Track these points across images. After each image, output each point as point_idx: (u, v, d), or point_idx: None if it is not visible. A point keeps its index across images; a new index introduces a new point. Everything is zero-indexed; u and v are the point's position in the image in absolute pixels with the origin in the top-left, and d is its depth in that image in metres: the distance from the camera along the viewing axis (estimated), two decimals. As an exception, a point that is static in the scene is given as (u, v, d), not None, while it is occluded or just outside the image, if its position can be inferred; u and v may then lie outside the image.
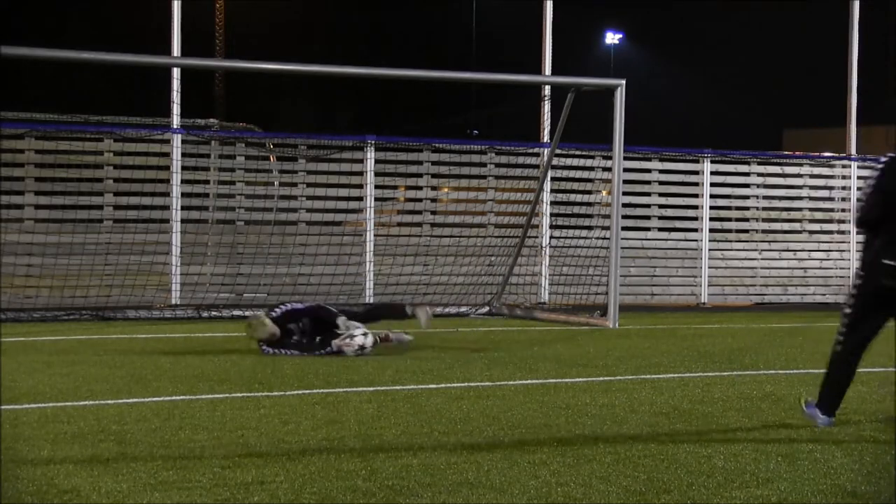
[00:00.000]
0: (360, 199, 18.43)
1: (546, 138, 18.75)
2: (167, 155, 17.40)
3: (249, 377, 9.74)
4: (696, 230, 20.33)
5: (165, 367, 10.43)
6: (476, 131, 54.36)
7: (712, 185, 20.39)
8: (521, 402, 8.47)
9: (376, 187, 18.42)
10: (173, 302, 17.05)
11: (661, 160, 20.20)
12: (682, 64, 60.32)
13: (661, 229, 20.25)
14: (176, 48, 17.34)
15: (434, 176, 19.07)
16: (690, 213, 20.37)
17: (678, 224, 20.35)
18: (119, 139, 17.54)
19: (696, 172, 20.35)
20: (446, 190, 20.34)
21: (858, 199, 7.52)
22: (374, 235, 18.20)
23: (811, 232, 21.15)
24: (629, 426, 7.51)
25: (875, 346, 12.05)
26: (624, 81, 15.84)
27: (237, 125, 25.24)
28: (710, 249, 20.37)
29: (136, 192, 17.15)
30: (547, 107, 18.82)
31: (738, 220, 20.91)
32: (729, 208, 20.80)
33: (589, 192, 19.44)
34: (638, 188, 20.06)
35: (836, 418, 7.56)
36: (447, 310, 17.49)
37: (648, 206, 20.18)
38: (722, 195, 20.58)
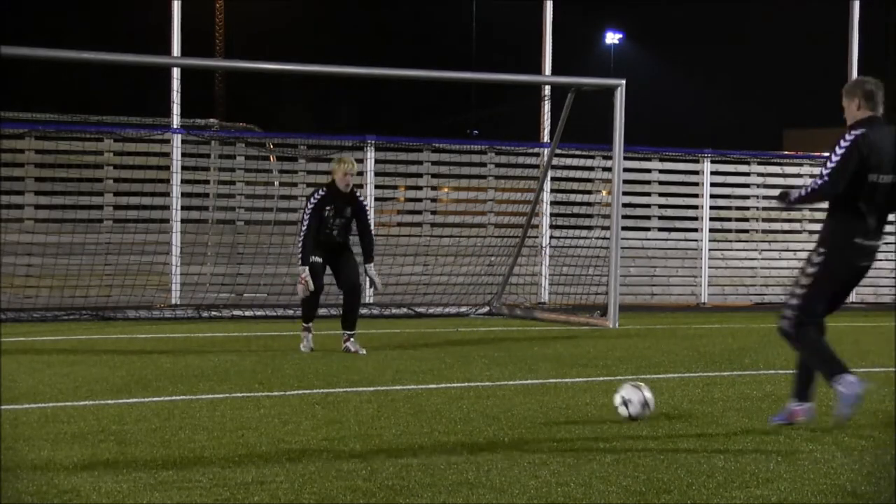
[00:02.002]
0: (359, 199, 18.41)
1: (546, 138, 18.75)
2: (167, 155, 17.41)
3: (249, 377, 9.74)
4: (696, 230, 20.33)
5: (165, 367, 10.43)
6: (476, 131, 54.35)
7: (712, 185, 20.39)
8: (521, 402, 8.47)
9: (376, 187, 18.43)
10: (173, 302, 17.05)
11: (661, 160, 20.20)
12: (682, 64, 60.33)
13: (661, 229, 20.25)
14: (176, 48, 17.34)
15: (434, 176, 19.07)
16: (690, 213, 20.37)
17: (678, 224, 20.35)
18: (119, 139, 17.54)
19: (696, 172, 20.35)
20: (446, 190, 20.34)
21: (819, 175, 7.47)
22: (374, 235, 18.18)
23: (811, 232, 21.14)
24: (629, 426, 7.50)
25: (875, 346, 12.00)
26: (624, 81, 15.84)
27: (237, 125, 25.24)
28: (710, 249, 20.37)
29: (136, 192, 17.15)
30: (547, 107, 18.82)
31: (738, 220, 20.91)
32: (729, 208, 20.80)
33: (589, 192, 19.44)
34: (638, 188, 20.05)
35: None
36: (447, 310, 17.50)
37: (648, 206, 20.18)
38: (722, 195, 20.58)
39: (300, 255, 11.73)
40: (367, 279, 12.29)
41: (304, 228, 11.77)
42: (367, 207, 12.52)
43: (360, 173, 18.26)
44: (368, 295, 18.03)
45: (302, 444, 6.79)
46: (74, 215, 16.89)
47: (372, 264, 12.20)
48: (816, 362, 7.37)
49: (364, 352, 11.82)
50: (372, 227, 12.70)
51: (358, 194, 12.24)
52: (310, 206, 11.78)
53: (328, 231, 11.88)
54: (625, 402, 7.90)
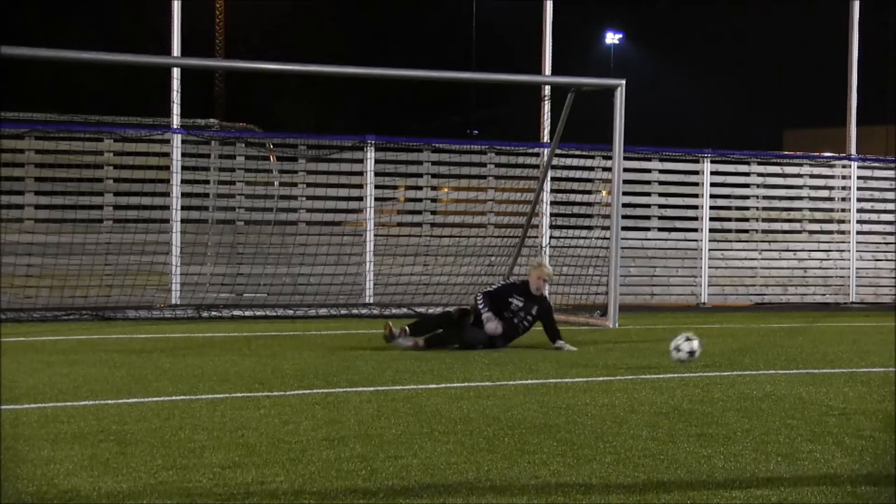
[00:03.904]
0: (360, 199, 18.44)
1: (546, 138, 18.75)
2: (167, 155, 17.42)
3: (249, 377, 9.73)
4: (696, 230, 20.35)
5: (165, 367, 10.43)
6: (476, 131, 54.36)
7: (712, 185, 20.41)
8: (521, 402, 8.46)
9: (376, 187, 18.43)
10: (173, 302, 17.05)
11: (661, 160, 20.22)
12: (682, 64, 60.34)
13: (661, 229, 20.26)
14: (176, 48, 17.34)
15: (434, 176, 19.07)
16: (690, 213, 20.39)
17: (678, 224, 20.36)
18: (119, 139, 17.55)
19: (696, 172, 20.37)
20: (446, 190, 20.34)
21: None
22: (374, 235, 18.21)
23: (811, 232, 21.16)
24: (629, 426, 7.50)
25: (875, 346, 11.98)
26: (624, 81, 15.84)
27: (237, 125, 25.26)
28: (710, 249, 20.38)
29: (136, 192, 17.17)
30: (547, 107, 18.83)
31: (738, 220, 20.92)
32: (729, 208, 20.81)
33: (589, 192, 19.45)
34: (638, 188, 20.07)
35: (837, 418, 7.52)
36: (447, 310, 17.46)
37: (648, 206, 20.19)
38: (722, 195, 20.60)
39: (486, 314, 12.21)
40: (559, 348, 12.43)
41: (487, 293, 12.42)
42: (552, 306, 12.82)
43: (360, 174, 18.26)
44: (368, 296, 18.05)
45: (302, 444, 6.79)
46: (74, 215, 16.90)
47: (561, 340, 12.49)
48: None
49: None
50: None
51: (546, 296, 12.65)
52: (500, 284, 12.44)
53: (507, 315, 12.41)
54: (677, 349, 10.58)
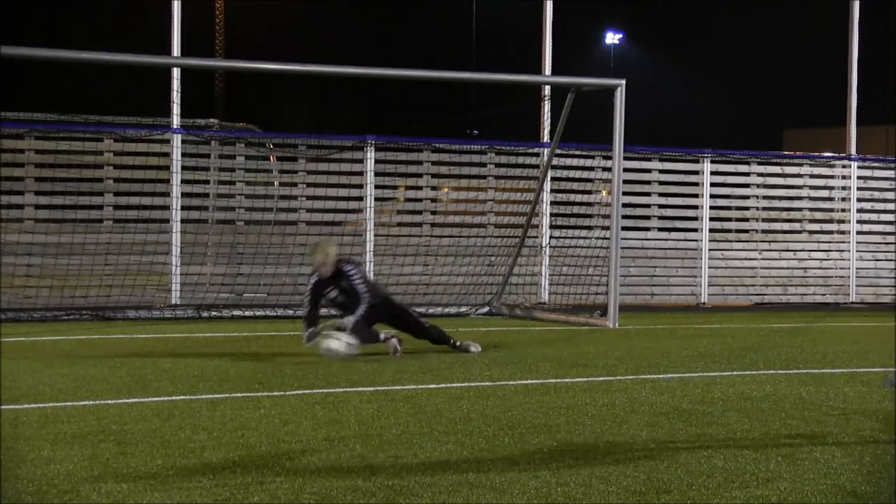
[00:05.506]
0: (360, 199, 18.43)
1: (546, 138, 18.75)
2: (167, 155, 17.41)
3: (249, 377, 9.74)
4: (696, 230, 20.34)
5: (165, 367, 10.43)
6: (476, 131, 54.35)
7: (712, 185, 20.40)
8: (521, 402, 8.46)
9: (376, 187, 18.43)
10: (173, 302, 17.05)
11: (661, 160, 20.21)
12: (682, 64, 60.32)
13: (661, 229, 20.26)
14: (176, 48, 17.34)
15: (434, 176, 19.07)
16: (690, 213, 20.38)
17: (678, 224, 20.35)
18: (119, 139, 17.55)
19: (696, 172, 20.36)
20: (446, 190, 20.33)
21: None
22: (374, 235, 18.21)
23: (811, 232, 21.15)
24: (629, 426, 7.50)
25: (875, 346, 12.00)
26: (624, 81, 15.84)
27: (237, 125, 25.25)
28: (710, 249, 20.37)
29: (136, 192, 17.16)
30: (547, 107, 18.82)
31: (738, 220, 20.91)
32: (729, 208, 20.80)
33: (589, 192, 19.44)
34: (638, 188, 20.06)
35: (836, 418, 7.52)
36: (447, 310, 17.49)
37: (648, 206, 20.19)
38: (722, 195, 20.59)
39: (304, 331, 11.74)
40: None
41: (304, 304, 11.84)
42: (353, 272, 11.82)
43: (360, 174, 18.26)
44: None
45: (302, 444, 6.79)
46: (74, 215, 16.89)
47: (352, 318, 11.63)
48: None
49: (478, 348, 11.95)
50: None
51: (343, 268, 11.77)
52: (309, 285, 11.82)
53: (339, 309, 11.86)
54: None
